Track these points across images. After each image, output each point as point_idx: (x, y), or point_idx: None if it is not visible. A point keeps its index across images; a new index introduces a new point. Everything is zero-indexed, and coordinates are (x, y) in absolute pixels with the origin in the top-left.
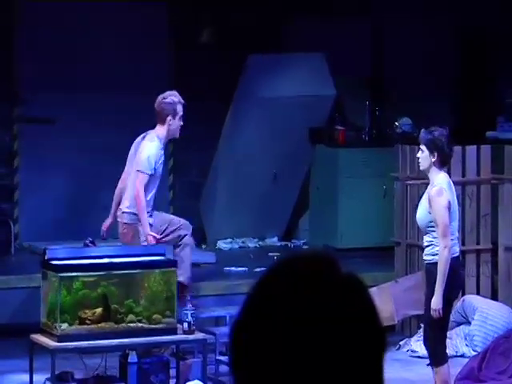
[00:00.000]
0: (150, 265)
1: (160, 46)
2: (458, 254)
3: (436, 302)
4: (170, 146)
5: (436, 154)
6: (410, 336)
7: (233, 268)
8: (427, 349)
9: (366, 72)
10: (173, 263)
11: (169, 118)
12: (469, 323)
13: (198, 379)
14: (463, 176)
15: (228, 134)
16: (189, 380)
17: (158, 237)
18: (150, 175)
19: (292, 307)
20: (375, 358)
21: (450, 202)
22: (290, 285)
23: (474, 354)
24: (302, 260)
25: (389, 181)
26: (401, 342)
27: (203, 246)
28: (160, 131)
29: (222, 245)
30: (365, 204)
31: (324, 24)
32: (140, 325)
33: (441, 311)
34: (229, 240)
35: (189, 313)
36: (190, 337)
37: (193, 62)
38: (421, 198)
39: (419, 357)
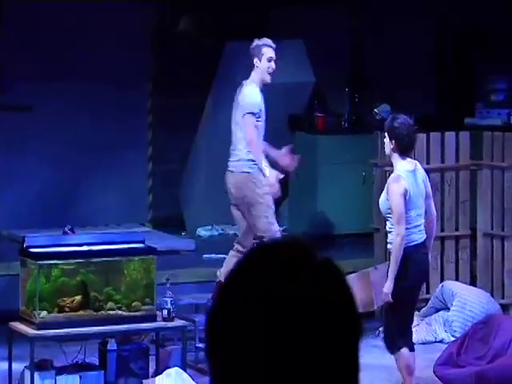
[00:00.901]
0: (129, 252)
1: (137, 35)
2: (416, 243)
3: (386, 286)
4: (149, 134)
5: (394, 141)
6: None
7: (212, 255)
8: (384, 335)
9: (345, 60)
10: (152, 250)
11: (255, 60)
12: (448, 309)
13: (178, 366)
14: (442, 162)
15: (207, 122)
16: (168, 367)
17: (281, 176)
18: (257, 117)
19: (268, 293)
20: (351, 344)
21: (406, 190)
22: (265, 271)
23: (453, 339)
24: (277, 247)
25: (368, 167)
26: (380, 329)
27: (183, 233)
28: (253, 76)
29: (202, 232)
30: (344, 191)
31: (305, 12)
32: (119, 312)
33: (389, 296)
34: (208, 227)
35: (168, 300)
36: (170, 324)
37: (173, 51)
38: None
39: None
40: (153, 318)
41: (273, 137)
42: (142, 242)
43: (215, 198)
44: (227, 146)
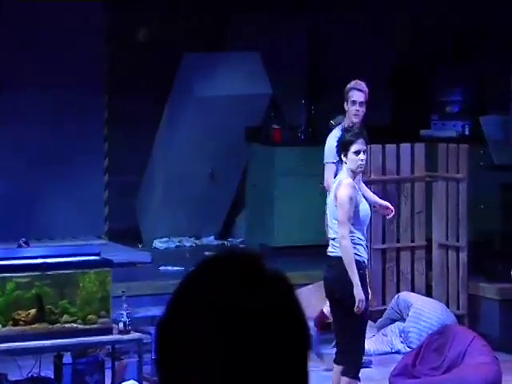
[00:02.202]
0: (84, 265)
1: (95, 45)
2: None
3: (356, 292)
4: (106, 145)
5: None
6: None
7: (169, 267)
8: (346, 355)
9: (302, 71)
10: (108, 263)
11: (345, 104)
12: (404, 320)
13: (134, 379)
14: (398, 174)
15: (164, 133)
16: (124, 380)
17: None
18: (337, 163)
19: (216, 305)
20: (299, 355)
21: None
22: (214, 283)
23: (409, 350)
24: (226, 258)
25: (325, 179)
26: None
27: (139, 246)
28: (345, 120)
29: (158, 244)
30: (301, 202)
31: (263, 24)
32: (75, 325)
33: (364, 302)
34: (165, 239)
35: (124, 313)
36: (126, 337)
37: (130, 61)
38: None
39: None
40: (109, 331)
41: (230, 149)
42: (98, 254)
43: (172, 210)
44: (184, 158)
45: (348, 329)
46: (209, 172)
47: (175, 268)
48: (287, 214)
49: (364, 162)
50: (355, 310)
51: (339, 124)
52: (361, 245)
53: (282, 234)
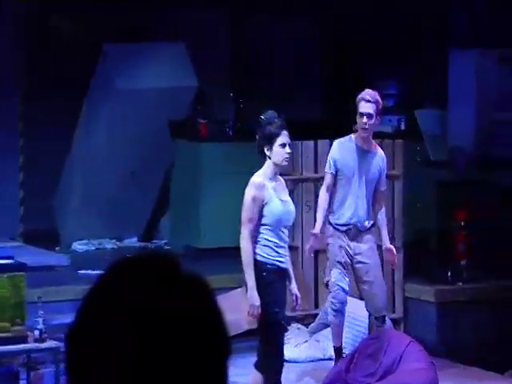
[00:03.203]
0: None
1: (10, 43)
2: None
3: (249, 295)
4: (20, 142)
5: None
6: None
7: (88, 271)
8: (263, 362)
9: (230, 64)
10: (22, 267)
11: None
12: None
13: None
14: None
15: (83, 129)
16: None
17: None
18: (332, 174)
19: (131, 306)
20: (215, 357)
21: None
22: (128, 284)
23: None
24: (141, 259)
25: None
26: None
27: (56, 248)
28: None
29: (77, 246)
30: (228, 202)
31: (188, 14)
32: None
33: (259, 308)
34: (84, 241)
35: (40, 320)
36: (42, 345)
37: (46, 54)
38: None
39: (286, 360)
40: (23, 340)
41: (153, 145)
42: (11, 257)
43: (92, 211)
44: (104, 156)
45: (262, 334)
46: (131, 170)
47: (95, 272)
48: (214, 214)
49: (289, 156)
50: (249, 314)
51: (272, 118)
52: (268, 246)
53: (209, 234)
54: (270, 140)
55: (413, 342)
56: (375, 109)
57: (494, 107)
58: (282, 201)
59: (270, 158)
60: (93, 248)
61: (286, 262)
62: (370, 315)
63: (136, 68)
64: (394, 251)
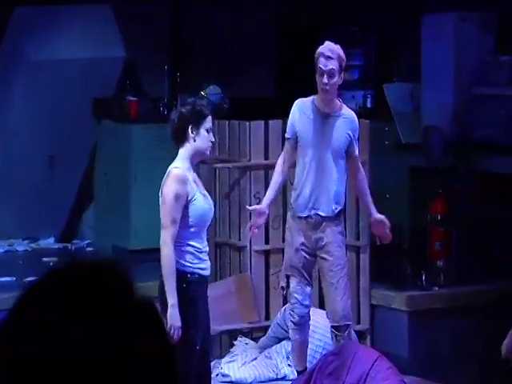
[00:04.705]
0: None
1: None
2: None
3: (169, 313)
4: None
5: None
6: (221, 357)
7: None
8: None
9: (165, 33)
10: None
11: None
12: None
13: None
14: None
15: None
16: None
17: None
18: (290, 140)
19: (64, 324)
20: (165, 375)
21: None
22: (62, 299)
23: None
24: (79, 270)
25: None
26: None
27: None
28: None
29: None
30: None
31: None
32: None
33: (179, 330)
34: None
35: None
36: None
37: None
38: (233, 184)
39: (231, 382)
40: None
41: (74, 126)
42: None
43: (0, 206)
44: (16, 139)
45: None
46: (47, 156)
47: (5, 278)
48: (147, 210)
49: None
50: (170, 337)
51: (215, 95)
52: (189, 252)
53: (141, 233)
54: (198, 120)
55: (381, 357)
56: (337, 66)
57: (474, 80)
58: (204, 196)
59: (194, 140)
60: (2, 250)
61: (208, 268)
62: (331, 326)
63: (52, 35)
64: (387, 222)
